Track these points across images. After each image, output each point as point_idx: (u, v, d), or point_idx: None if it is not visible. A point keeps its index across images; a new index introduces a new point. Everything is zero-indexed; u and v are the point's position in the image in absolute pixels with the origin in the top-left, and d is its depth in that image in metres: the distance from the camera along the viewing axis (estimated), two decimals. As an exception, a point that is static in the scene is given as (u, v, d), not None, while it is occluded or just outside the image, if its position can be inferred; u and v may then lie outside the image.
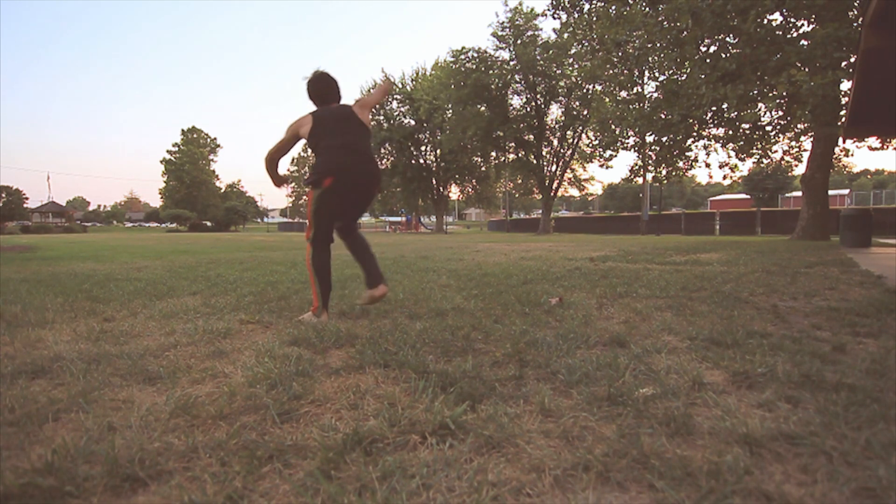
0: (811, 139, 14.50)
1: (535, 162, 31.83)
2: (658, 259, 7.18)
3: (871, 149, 15.68)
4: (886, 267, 5.88)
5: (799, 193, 22.28)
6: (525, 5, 31.77)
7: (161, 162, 65.78)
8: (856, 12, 10.95)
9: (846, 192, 46.41)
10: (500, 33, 29.79)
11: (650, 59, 15.33)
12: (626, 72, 17.93)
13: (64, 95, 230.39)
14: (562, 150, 32.33)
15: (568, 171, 33.64)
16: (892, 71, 4.93)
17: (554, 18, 18.95)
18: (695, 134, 15.46)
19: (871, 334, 2.41)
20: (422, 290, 3.88)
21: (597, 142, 24.69)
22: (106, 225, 79.28)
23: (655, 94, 15.98)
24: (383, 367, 1.90)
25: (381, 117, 41.05)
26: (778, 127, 14.96)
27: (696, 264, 6.28)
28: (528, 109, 31.44)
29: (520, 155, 32.48)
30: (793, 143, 16.14)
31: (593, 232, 31.89)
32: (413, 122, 40.19)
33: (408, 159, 39.86)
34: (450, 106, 32.62)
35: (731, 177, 17.16)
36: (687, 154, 16.88)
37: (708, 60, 12.85)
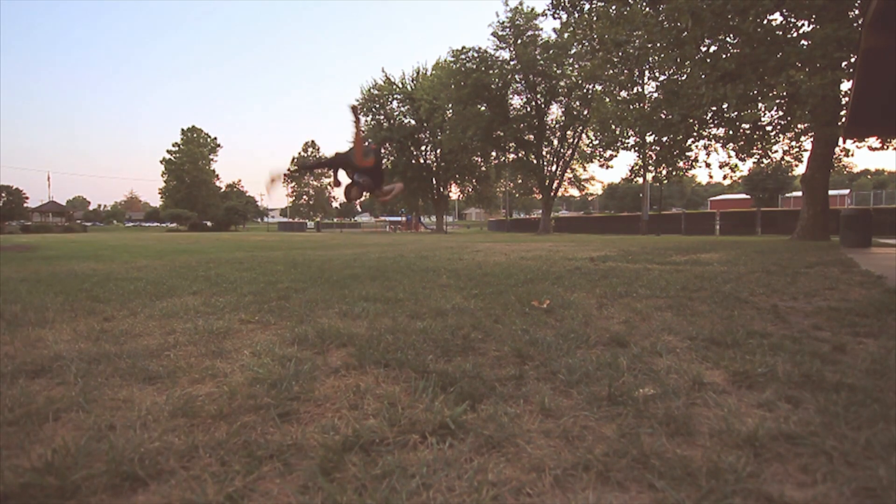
0: (811, 139, 14.49)
1: (535, 162, 31.83)
2: (658, 259, 7.18)
3: (871, 149, 15.68)
4: (886, 267, 5.88)
5: (799, 193, 22.27)
6: (525, 5, 31.79)
7: (161, 162, 65.81)
8: (856, 12, 10.95)
9: (846, 192, 46.40)
10: (500, 33, 29.80)
11: (650, 59, 15.35)
12: (626, 72, 17.95)
13: (64, 95, 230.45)
14: (562, 150, 32.33)
15: (568, 171, 33.65)
16: (892, 71, 4.93)
17: (554, 18, 18.95)
18: (695, 134, 15.46)
19: (871, 334, 2.41)
20: (422, 290, 3.88)
21: (597, 142, 24.72)
22: (106, 224, 79.25)
23: (655, 94, 15.99)
24: (383, 366, 1.89)
25: (382, 117, 41.04)
26: (778, 127, 14.97)
27: (696, 264, 6.28)
28: (529, 109, 31.44)
29: (520, 155, 32.47)
30: (793, 143, 16.14)
31: (593, 232, 31.89)
32: (413, 122, 40.17)
33: (408, 159, 39.87)
34: (450, 106, 32.62)
35: (731, 177, 17.16)
36: (687, 154, 16.89)
37: (708, 60, 12.85)
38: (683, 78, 13.76)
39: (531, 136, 31.38)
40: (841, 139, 13.08)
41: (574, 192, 37.98)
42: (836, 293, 3.79)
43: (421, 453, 1.20)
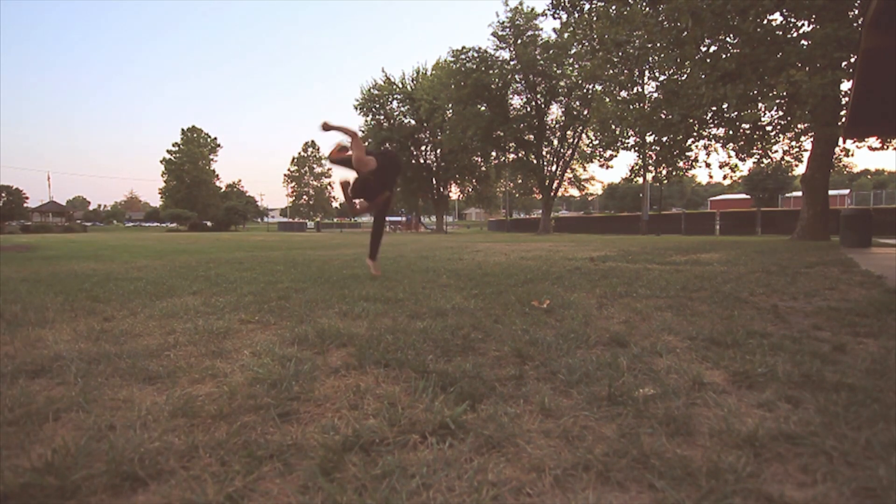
0: (811, 139, 14.50)
1: (535, 162, 31.85)
2: (658, 259, 7.18)
3: (871, 149, 15.71)
4: (886, 267, 5.88)
5: (799, 193, 22.27)
6: (525, 5, 31.80)
7: (161, 162, 65.87)
8: (856, 12, 10.95)
9: (846, 192, 46.44)
10: (500, 33, 29.83)
11: (650, 59, 15.37)
12: (626, 72, 17.96)
13: (64, 95, 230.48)
14: (562, 150, 32.35)
15: (568, 171, 33.67)
16: (892, 71, 4.93)
17: (554, 18, 18.94)
18: (695, 134, 15.48)
19: (871, 334, 2.41)
20: (422, 290, 3.88)
21: (597, 142, 24.76)
22: (106, 224, 79.26)
23: (655, 94, 16.00)
24: (383, 366, 1.89)
25: (382, 117, 41.05)
26: (778, 127, 14.98)
27: (696, 264, 6.28)
28: (529, 109, 31.46)
29: (520, 155, 32.49)
30: (793, 143, 16.16)
31: (593, 232, 31.89)
32: (413, 122, 40.19)
33: (408, 159, 39.89)
34: (450, 106, 32.65)
35: (731, 177, 17.18)
36: (687, 154, 16.92)
37: (708, 60, 12.86)
38: (683, 78, 13.77)
39: (531, 136, 31.39)
40: (841, 139, 13.10)
41: (574, 192, 38.05)
42: (836, 293, 3.79)
43: (421, 453, 1.20)
